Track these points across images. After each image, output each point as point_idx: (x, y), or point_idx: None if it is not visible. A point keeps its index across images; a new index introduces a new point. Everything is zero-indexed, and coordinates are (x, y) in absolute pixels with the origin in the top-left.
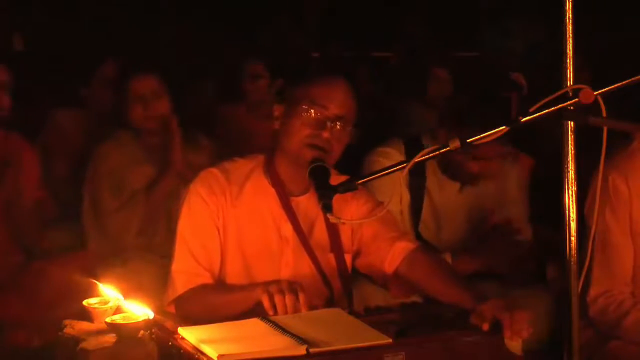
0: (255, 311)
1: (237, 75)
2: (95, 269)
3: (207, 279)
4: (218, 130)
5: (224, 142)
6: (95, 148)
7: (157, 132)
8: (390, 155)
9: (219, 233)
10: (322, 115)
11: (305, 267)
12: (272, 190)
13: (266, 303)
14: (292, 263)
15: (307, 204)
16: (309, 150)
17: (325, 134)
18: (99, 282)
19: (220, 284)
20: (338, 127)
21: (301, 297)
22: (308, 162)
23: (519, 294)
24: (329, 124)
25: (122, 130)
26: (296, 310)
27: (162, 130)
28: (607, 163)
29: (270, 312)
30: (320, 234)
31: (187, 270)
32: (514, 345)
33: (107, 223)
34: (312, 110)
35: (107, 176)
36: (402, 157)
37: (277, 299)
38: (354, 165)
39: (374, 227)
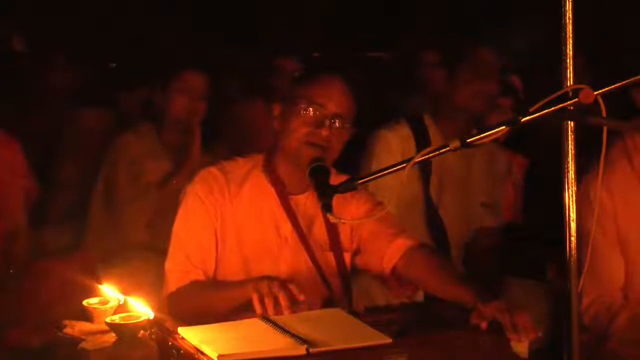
0: (248, 308)
1: (259, 73)
2: (96, 269)
3: (198, 276)
4: (229, 130)
5: (236, 142)
6: (115, 137)
7: (182, 129)
8: (397, 129)
9: (215, 234)
10: (321, 113)
11: (304, 266)
12: (271, 189)
13: (256, 303)
14: (290, 262)
15: (306, 203)
16: (308, 149)
17: (324, 132)
18: (99, 282)
19: (212, 281)
20: (337, 125)
21: (293, 288)
22: (307, 161)
23: (518, 293)
24: (327, 122)
25: (144, 122)
26: (290, 309)
27: (187, 126)
28: (589, 174)
29: (259, 312)
30: (319, 233)
31: (179, 269)
32: (520, 347)
33: (118, 212)
34: (311, 109)
35: (125, 165)
36: (409, 133)
37: (268, 301)
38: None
39: (373, 225)
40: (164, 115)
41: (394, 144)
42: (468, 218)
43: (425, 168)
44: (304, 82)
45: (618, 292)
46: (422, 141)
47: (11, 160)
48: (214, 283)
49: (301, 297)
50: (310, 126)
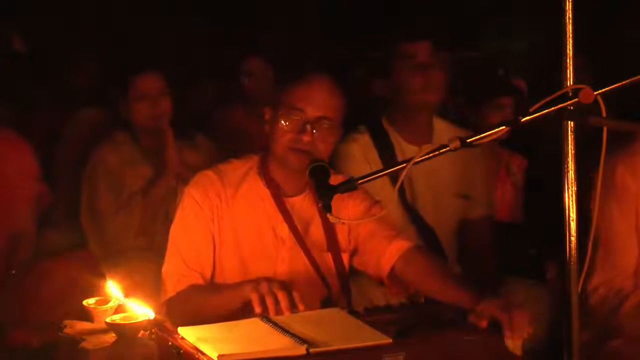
0: (246, 310)
1: (235, 74)
2: (97, 269)
3: (196, 280)
4: (216, 133)
5: (223, 145)
6: (92, 149)
7: (155, 133)
8: (357, 139)
9: (212, 238)
10: (301, 119)
11: (302, 267)
12: (267, 191)
13: (256, 303)
14: (288, 263)
15: (302, 204)
16: (292, 155)
17: (306, 138)
18: (104, 280)
19: (209, 285)
20: (324, 126)
21: (295, 295)
22: (294, 167)
23: (518, 293)
24: (308, 127)
25: (118, 131)
26: (290, 309)
27: (158, 130)
28: (616, 157)
29: (258, 311)
30: (316, 233)
31: (176, 272)
32: (515, 345)
33: (105, 225)
34: (293, 116)
35: (105, 177)
36: (368, 139)
37: (269, 300)
38: None
39: (371, 225)
40: (131, 123)
41: (357, 153)
42: (449, 212)
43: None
44: (285, 86)
45: (629, 279)
46: (382, 145)
47: (20, 161)
48: (211, 286)
49: (301, 307)
50: (293, 132)
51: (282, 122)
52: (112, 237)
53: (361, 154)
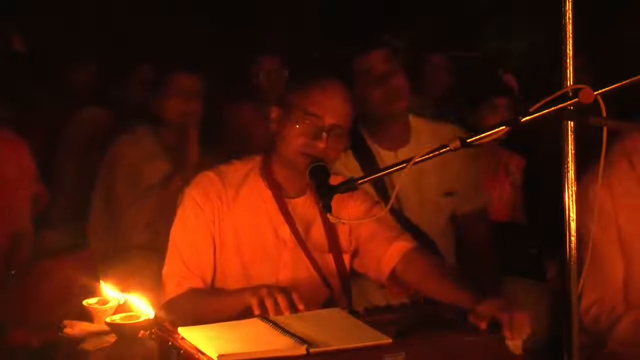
0: (245, 315)
1: (246, 72)
2: (96, 269)
3: (197, 283)
4: (223, 132)
5: (230, 144)
6: (111, 142)
7: (181, 129)
8: None
9: (213, 239)
10: (317, 125)
11: (304, 268)
12: (269, 193)
13: (255, 306)
14: (290, 265)
15: (303, 205)
16: (304, 159)
17: (321, 145)
18: (101, 281)
19: (209, 289)
20: (336, 134)
21: (295, 296)
22: (304, 167)
23: (518, 293)
24: (324, 134)
25: (140, 125)
26: (289, 309)
27: (185, 127)
28: (588, 176)
29: (257, 313)
30: (317, 235)
31: (176, 274)
32: (514, 344)
33: (119, 216)
34: (307, 120)
35: (123, 169)
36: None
37: (268, 302)
38: None
39: (371, 226)
40: (160, 117)
41: (336, 163)
42: (437, 212)
43: (377, 182)
44: (300, 89)
45: (619, 293)
46: (362, 155)
47: (19, 161)
48: (211, 291)
49: (300, 307)
50: (307, 137)
51: (295, 125)
52: (123, 229)
53: (341, 164)
